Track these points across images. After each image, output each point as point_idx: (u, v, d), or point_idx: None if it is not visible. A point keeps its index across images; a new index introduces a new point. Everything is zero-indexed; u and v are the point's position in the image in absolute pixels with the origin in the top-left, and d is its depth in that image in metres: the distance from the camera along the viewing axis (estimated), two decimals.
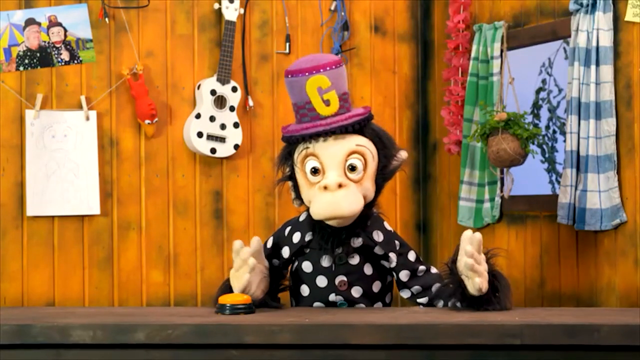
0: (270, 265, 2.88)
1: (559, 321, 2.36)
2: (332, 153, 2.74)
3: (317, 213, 2.72)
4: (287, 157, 2.84)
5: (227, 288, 2.79)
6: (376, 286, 2.84)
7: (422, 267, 2.86)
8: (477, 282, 2.55)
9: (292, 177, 2.84)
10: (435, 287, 2.82)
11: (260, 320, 2.40)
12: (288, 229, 2.93)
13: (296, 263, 2.90)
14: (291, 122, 2.87)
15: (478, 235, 2.57)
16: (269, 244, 2.94)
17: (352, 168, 2.74)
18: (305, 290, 2.86)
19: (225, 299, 2.60)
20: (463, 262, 2.56)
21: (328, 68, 2.76)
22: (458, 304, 2.68)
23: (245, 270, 2.68)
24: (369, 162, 2.77)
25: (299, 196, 2.84)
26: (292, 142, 2.82)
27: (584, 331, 2.29)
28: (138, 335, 2.32)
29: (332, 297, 2.82)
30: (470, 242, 2.56)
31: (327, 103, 2.75)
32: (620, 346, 2.28)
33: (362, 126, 2.79)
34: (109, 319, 2.50)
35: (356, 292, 2.82)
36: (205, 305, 3.73)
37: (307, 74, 2.75)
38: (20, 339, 2.35)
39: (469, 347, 2.30)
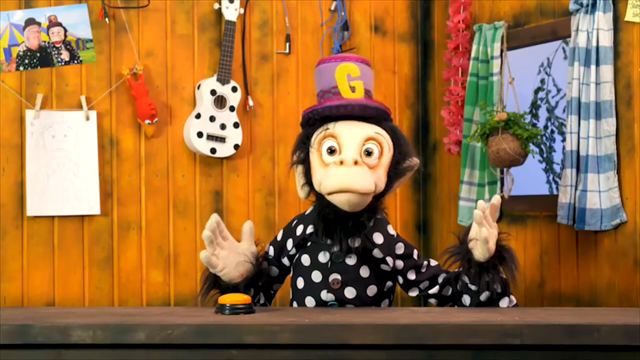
0: (280, 263, 2.92)
1: (559, 321, 2.36)
2: (350, 135, 2.76)
3: (330, 184, 2.71)
4: (304, 140, 2.85)
5: (208, 275, 2.81)
6: (371, 290, 2.83)
7: (424, 263, 2.92)
8: (484, 232, 2.63)
9: (304, 161, 2.84)
10: (441, 276, 2.89)
11: (260, 320, 2.41)
12: (295, 221, 2.95)
13: (297, 255, 2.90)
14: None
15: (495, 198, 2.70)
16: (279, 237, 2.97)
17: (369, 153, 2.77)
18: (300, 283, 2.87)
19: (225, 299, 2.60)
20: (474, 212, 2.67)
21: (360, 62, 2.86)
22: (466, 279, 2.75)
23: (206, 246, 2.71)
24: (385, 151, 2.79)
25: (307, 182, 2.83)
26: (313, 118, 2.82)
27: (584, 331, 2.29)
28: (138, 335, 2.32)
29: (324, 294, 2.81)
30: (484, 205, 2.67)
31: (353, 89, 2.80)
32: (620, 346, 2.28)
33: (383, 117, 2.84)
34: (109, 319, 2.50)
35: (349, 292, 2.81)
36: (205, 305, 3.73)
37: (339, 60, 2.84)
38: (20, 339, 2.34)
39: (469, 347, 2.30)
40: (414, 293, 2.91)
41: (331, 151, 2.76)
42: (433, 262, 2.94)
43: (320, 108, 2.79)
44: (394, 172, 2.84)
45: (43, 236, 3.67)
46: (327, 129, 2.78)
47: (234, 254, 2.76)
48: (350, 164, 2.69)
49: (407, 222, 4.14)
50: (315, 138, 2.80)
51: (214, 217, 2.74)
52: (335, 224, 2.77)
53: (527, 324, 2.32)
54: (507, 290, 2.79)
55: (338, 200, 2.73)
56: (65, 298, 3.67)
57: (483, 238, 2.66)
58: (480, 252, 2.70)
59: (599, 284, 3.35)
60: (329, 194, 2.73)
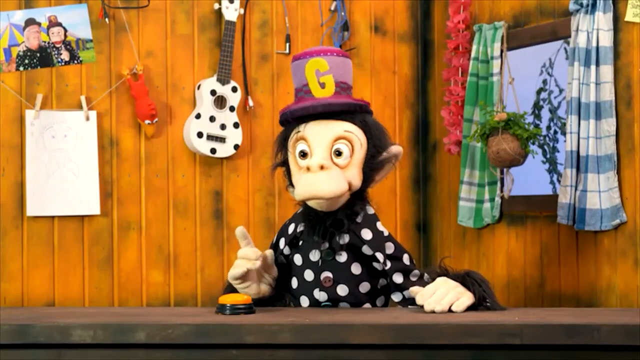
0: (279, 264, 2.90)
1: (559, 321, 2.36)
2: (319, 137, 2.76)
3: (298, 193, 2.73)
4: (282, 142, 2.87)
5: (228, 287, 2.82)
6: (364, 287, 2.82)
7: (416, 271, 2.82)
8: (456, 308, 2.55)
9: (286, 162, 2.87)
10: None
11: (260, 320, 2.40)
12: (288, 221, 2.95)
13: (290, 255, 2.90)
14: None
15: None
16: (275, 240, 2.96)
17: (339, 153, 2.76)
18: (294, 282, 2.87)
19: (226, 299, 2.60)
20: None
21: (329, 54, 2.82)
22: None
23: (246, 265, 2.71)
24: (356, 149, 2.78)
25: (291, 182, 2.86)
26: (282, 122, 2.86)
27: (584, 331, 2.29)
28: (138, 335, 2.32)
29: (317, 292, 2.81)
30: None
31: (322, 86, 2.79)
32: (620, 346, 2.28)
33: (351, 112, 2.80)
34: (109, 319, 2.50)
35: (341, 290, 2.80)
36: (205, 305, 3.74)
37: (308, 56, 2.82)
38: (21, 339, 2.34)
39: (469, 347, 2.30)
40: (396, 298, 2.82)
41: (303, 154, 2.77)
42: (427, 278, 2.76)
43: (289, 111, 2.81)
44: (370, 167, 2.83)
45: (43, 236, 3.67)
46: (299, 131, 2.79)
47: (257, 272, 2.77)
48: (316, 169, 2.69)
49: (407, 222, 4.14)
50: (290, 141, 2.82)
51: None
52: (317, 222, 2.78)
53: (527, 324, 2.32)
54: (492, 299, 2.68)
55: (311, 204, 2.76)
56: (65, 298, 3.67)
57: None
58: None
59: (599, 284, 3.35)
60: (300, 200, 2.77)
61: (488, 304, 2.60)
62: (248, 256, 2.73)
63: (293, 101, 2.86)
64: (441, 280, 2.60)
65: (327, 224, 2.77)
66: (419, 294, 2.58)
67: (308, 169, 2.70)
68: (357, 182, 2.79)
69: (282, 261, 2.91)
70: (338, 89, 2.79)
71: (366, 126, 2.81)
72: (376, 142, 2.82)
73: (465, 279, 2.61)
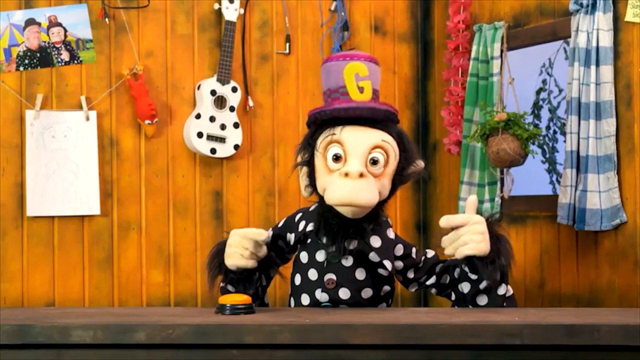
0: (276, 246, 2.93)
1: (559, 321, 2.36)
2: (357, 143, 2.73)
3: (335, 197, 2.69)
4: (310, 141, 2.81)
5: (218, 264, 2.84)
6: (366, 293, 2.82)
7: (422, 258, 2.92)
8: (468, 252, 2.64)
9: (309, 163, 2.82)
10: (439, 265, 2.90)
11: (260, 320, 2.41)
12: (299, 215, 2.94)
13: (297, 251, 2.91)
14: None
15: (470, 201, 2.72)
16: (280, 225, 2.98)
17: (374, 162, 2.74)
18: (297, 279, 2.87)
19: (226, 299, 2.60)
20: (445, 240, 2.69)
21: (368, 60, 2.81)
22: (465, 268, 2.74)
23: (251, 260, 2.75)
24: (391, 160, 2.77)
25: (311, 184, 2.83)
26: (312, 122, 2.81)
27: (584, 331, 2.29)
28: (138, 335, 2.32)
29: (318, 293, 2.81)
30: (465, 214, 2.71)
31: (361, 90, 2.75)
32: (620, 346, 2.28)
33: (391, 120, 2.81)
34: (109, 319, 2.50)
35: (343, 293, 2.80)
36: (205, 305, 3.74)
37: (347, 59, 2.78)
38: (21, 339, 2.34)
39: (469, 347, 2.30)
40: (413, 288, 2.94)
41: (336, 158, 2.73)
42: (430, 254, 2.93)
43: (329, 110, 2.75)
44: (399, 179, 2.83)
45: (43, 236, 3.67)
46: (334, 134, 2.74)
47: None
48: (356, 177, 2.66)
49: (407, 222, 4.14)
50: (321, 142, 2.76)
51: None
52: (337, 228, 2.76)
53: (527, 324, 2.32)
54: (505, 278, 2.78)
55: (341, 210, 2.72)
56: (65, 298, 3.67)
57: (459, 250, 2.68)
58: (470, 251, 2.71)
59: (599, 284, 3.35)
60: (333, 205, 2.73)
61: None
62: (257, 237, 2.73)
63: (325, 102, 2.82)
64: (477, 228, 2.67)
65: (350, 231, 2.76)
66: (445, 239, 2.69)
67: (346, 174, 2.68)
68: (385, 192, 2.79)
69: (282, 246, 2.93)
70: (374, 96, 2.79)
71: (400, 138, 2.82)
72: (408, 155, 2.83)
73: (498, 247, 2.70)
